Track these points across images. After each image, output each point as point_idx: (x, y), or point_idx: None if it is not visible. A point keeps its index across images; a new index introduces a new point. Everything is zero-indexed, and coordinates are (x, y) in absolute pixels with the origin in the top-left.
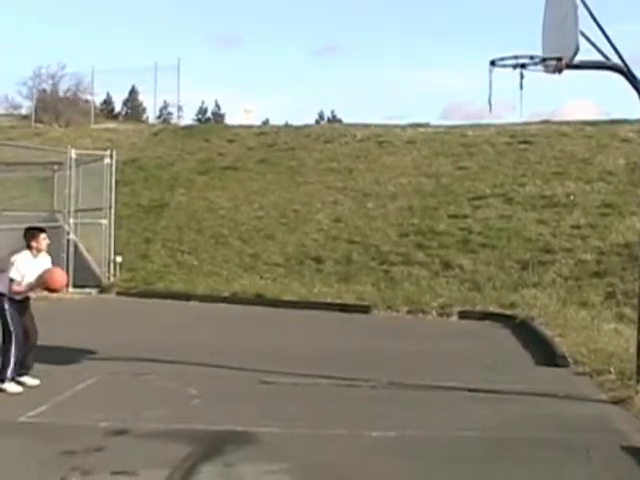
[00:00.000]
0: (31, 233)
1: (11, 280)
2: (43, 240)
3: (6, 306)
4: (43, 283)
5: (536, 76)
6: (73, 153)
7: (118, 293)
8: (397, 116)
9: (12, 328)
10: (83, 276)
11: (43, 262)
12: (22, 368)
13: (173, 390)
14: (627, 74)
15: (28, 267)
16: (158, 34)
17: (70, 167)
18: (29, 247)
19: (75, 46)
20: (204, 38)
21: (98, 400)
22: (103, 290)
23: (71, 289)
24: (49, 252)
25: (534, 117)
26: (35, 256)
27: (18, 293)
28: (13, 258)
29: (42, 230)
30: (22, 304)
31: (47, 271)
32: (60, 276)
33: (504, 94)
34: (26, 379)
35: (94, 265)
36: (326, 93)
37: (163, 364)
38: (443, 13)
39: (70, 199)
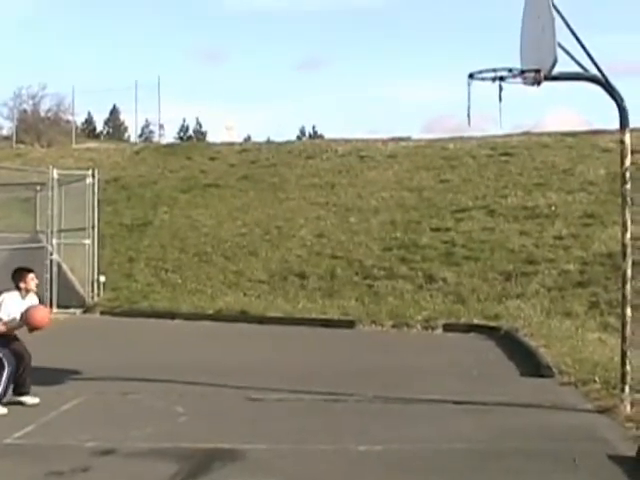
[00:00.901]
0: (19, 274)
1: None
2: (32, 280)
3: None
4: (25, 321)
5: (518, 88)
6: (55, 173)
7: (102, 313)
8: (380, 130)
9: (1, 354)
10: (67, 296)
11: (31, 303)
12: (22, 388)
13: (159, 409)
14: (605, 85)
15: (16, 308)
16: (139, 53)
17: (52, 187)
18: (18, 288)
19: (56, 66)
20: (186, 55)
21: (84, 420)
22: (87, 310)
23: (55, 309)
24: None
25: (516, 129)
26: (24, 297)
27: (1, 333)
28: (1, 298)
29: (30, 270)
30: (8, 336)
31: (28, 310)
32: (41, 315)
33: (486, 107)
34: (26, 399)
35: (78, 285)
36: (308, 108)
37: (149, 383)
38: (425, 27)
39: (53, 219)
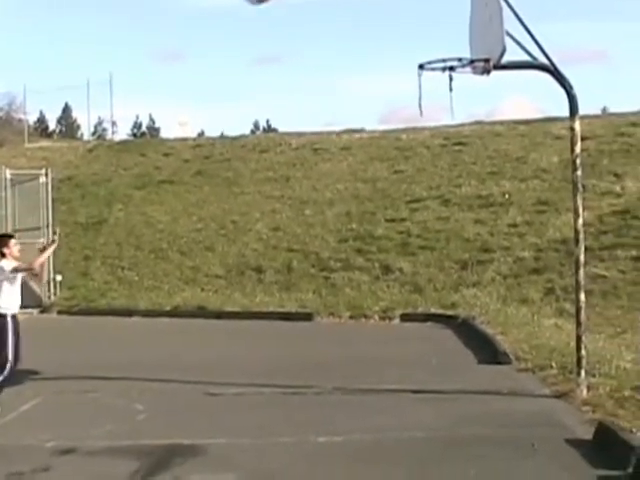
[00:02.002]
0: (1, 240)
1: (16, 269)
2: (14, 246)
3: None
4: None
5: (471, 77)
6: (8, 173)
7: (59, 312)
8: (335, 123)
9: (10, 354)
10: (23, 296)
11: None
12: None
13: (119, 406)
14: (554, 73)
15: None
16: (91, 51)
17: (5, 187)
18: (2, 255)
19: (6, 65)
20: (144, 54)
21: (44, 420)
22: (44, 310)
23: None
24: None
25: (471, 118)
26: (11, 262)
27: (41, 263)
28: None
29: (11, 236)
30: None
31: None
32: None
33: (440, 97)
34: None
35: (34, 285)
36: (263, 103)
37: (108, 381)
38: (379, 19)
39: (7, 219)
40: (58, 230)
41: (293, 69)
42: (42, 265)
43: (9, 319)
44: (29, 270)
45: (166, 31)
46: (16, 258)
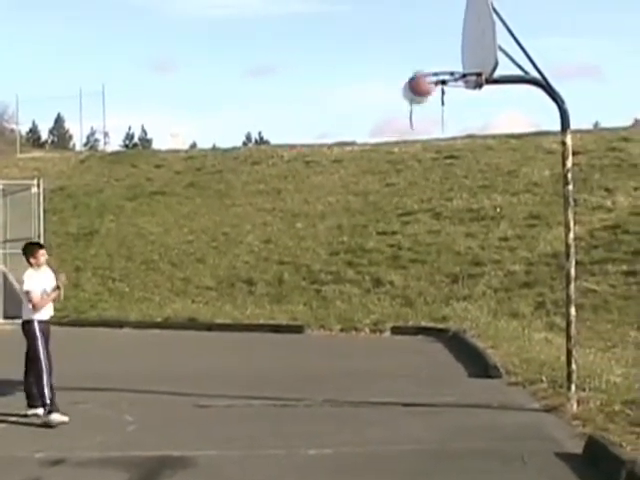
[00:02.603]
0: (30, 249)
1: (27, 293)
2: (42, 256)
3: (37, 334)
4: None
5: (465, 91)
6: (0, 183)
7: (50, 323)
8: (328, 134)
9: (41, 355)
10: (14, 307)
11: (46, 275)
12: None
13: (108, 418)
14: (546, 87)
15: (34, 281)
16: (84, 61)
17: None
18: (29, 263)
19: None
20: (136, 65)
21: (33, 431)
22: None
23: (1, 320)
24: None
25: (465, 131)
26: (37, 271)
27: (42, 305)
28: (24, 276)
29: (41, 246)
30: (46, 328)
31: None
32: None
33: (433, 110)
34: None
35: (24, 296)
36: (255, 114)
37: (98, 392)
38: (370, 31)
39: None
40: (63, 278)
41: (286, 80)
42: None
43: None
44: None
45: (159, 41)
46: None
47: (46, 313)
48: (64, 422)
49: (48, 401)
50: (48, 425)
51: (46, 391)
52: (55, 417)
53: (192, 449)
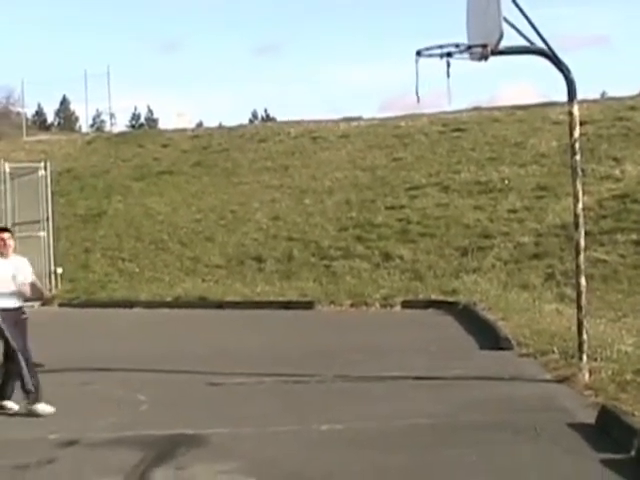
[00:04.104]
0: None
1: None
2: (8, 239)
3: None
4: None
5: (472, 63)
6: (7, 167)
7: (60, 305)
8: (335, 111)
9: (14, 345)
10: None
11: (17, 264)
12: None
13: (121, 398)
14: (552, 57)
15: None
16: (89, 42)
17: (4, 181)
18: None
19: (3, 58)
20: (143, 45)
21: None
22: (45, 303)
23: None
24: None
25: (473, 104)
26: (6, 257)
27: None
28: None
29: (5, 229)
30: (15, 317)
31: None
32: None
33: (441, 83)
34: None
35: (35, 278)
36: (262, 92)
37: (110, 372)
38: (376, 6)
39: (6, 213)
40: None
41: (292, 58)
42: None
43: None
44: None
45: (164, 21)
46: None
47: (9, 302)
48: (50, 413)
49: (31, 388)
50: (35, 415)
51: (26, 380)
52: (40, 407)
53: (205, 427)
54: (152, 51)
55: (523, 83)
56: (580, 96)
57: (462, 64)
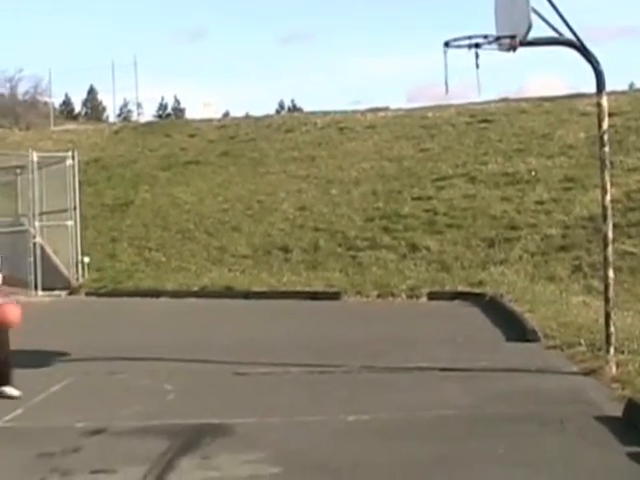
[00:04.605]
0: None
1: None
2: None
3: None
4: None
5: (501, 54)
6: (35, 156)
7: (87, 294)
8: (363, 102)
9: None
10: (51, 278)
11: None
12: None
13: (148, 387)
14: (580, 48)
15: None
16: (116, 32)
17: (32, 170)
18: None
19: (31, 48)
20: (170, 35)
21: (73, 401)
22: (72, 292)
23: (40, 292)
24: (15, 255)
25: (501, 95)
26: None
27: None
28: None
29: None
30: None
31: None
32: (14, 311)
33: (469, 74)
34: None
35: (62, 267)
36: (288, 82)
37: (136, 362)
38: None
39: (34, 202)
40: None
41: (319, 47)
42: None
43: None
44: None
45: (190, 10)
46: None
47: None
48: (18, 396)
49: None
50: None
51: None
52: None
53: (231, 417)
54: (178, 41)
55: (552, 75)
56: (608, 88)
57: (492, 55)
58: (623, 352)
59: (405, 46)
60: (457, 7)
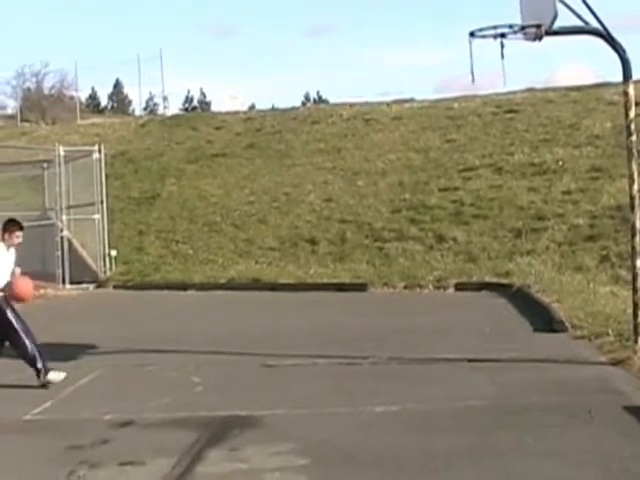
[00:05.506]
0: (8, 226)
1: None
2: (16, 237)
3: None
4: (8, 291)
5: (530, 44)
6: (61, 150)
7: (115, 287)
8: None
9: (16, 324)
10: (79, 272)
11: (11, 257)
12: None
13: (176, 379)
14: (606, 37)
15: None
16: (142, 26)
17: (59, 164)
18: (2, 238)
19: (57, 42)
20: (192, 27)
21: (101, 393)
22: (100, 285)
23: (68, 285)
24: (43, 249)
25: (529, 85)
26: (7, 249)
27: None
28: None
29: (21, 228)
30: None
31: (16, 281)
32: (27, 286)
33: (495, 64)
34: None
35: (89, 260)
36: (315, 75)
37: (164, 354)
38: None
39: (61, 196)
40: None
41: (346, 39)
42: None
43: None
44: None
45: (217, 4)
46: (12, 246)
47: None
48: (63, 378)
49: (40, 365)
50: (46, 385)
51: (36, 355)
52: (52, 376)
53: (259, 408)
54: (204, 33)
55: (580, 64)
56: (635, 76)
57: (520, 45)
58: None
59: (433, 37)
60: None
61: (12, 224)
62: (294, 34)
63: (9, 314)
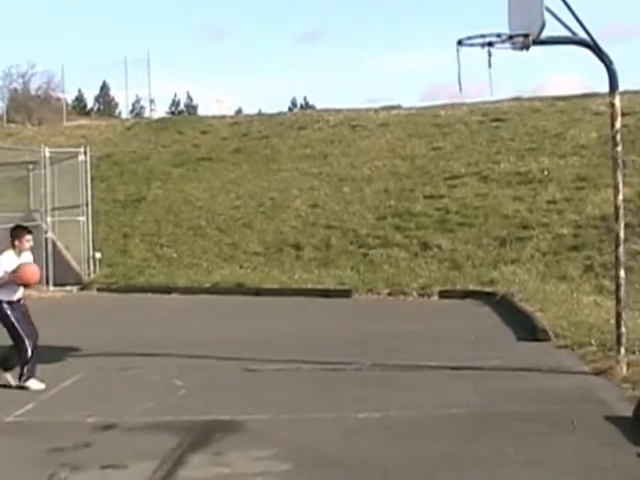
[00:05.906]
0: (18, 232)
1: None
2: (27, 242)
3: (8, 312)
4: (16, 277)
5: (518, 53)
6: (47, 151)
7: (99, 289)
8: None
9: (21, 332)
10: (63, 274)
11: (26, 260)
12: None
13: (159, 383)
14: (594, 48)
15: (12, 266)
16: (129, 28)
17: (45, 166)
18: (13, 246)
19: (44, 43)
20: (179, 31)
21: (84, 396)
22: (84, 287)
23: (51, 287)
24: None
25: (517, 94)
26: (18, 255)
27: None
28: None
29: (29, 232)
30: (20, 305)
31: (19, 266)
32: (32, 272)
33: (484, 73)
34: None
35: (74, 262)
36: (302, 80)
37: (148, 358)
38: None
39: (46, 198)
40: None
41: (335, 45)
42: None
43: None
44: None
45: (207, 8)
46: (24, 250)
47: (15, 294)
48: (41, 389)
49: (26, 369)
50: (23, 388)
51: (28, 365)
52: (32, 383)
53: (242, 413)
54: (191, 37)
55: (570, 74)
56: (622, 87)
57: (509, 54)
58: (634, 352)
59: (421, 45)
60: (473, 6)
61: (19, 230)
62: (284, 39)
63: (12, 318)
